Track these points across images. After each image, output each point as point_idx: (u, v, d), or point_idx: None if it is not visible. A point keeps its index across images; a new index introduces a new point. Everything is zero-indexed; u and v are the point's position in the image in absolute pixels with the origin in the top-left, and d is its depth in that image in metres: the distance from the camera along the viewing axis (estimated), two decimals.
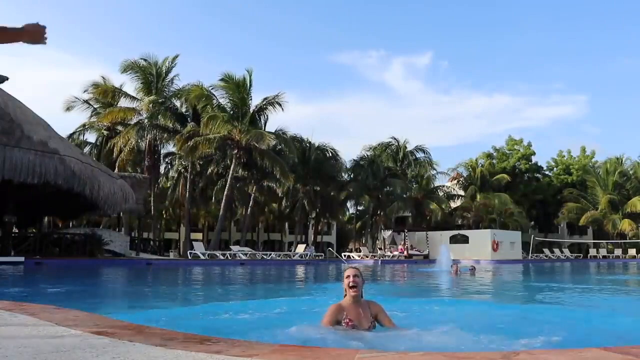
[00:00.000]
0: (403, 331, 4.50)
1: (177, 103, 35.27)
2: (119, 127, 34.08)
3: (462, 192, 52.38)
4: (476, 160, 55.93)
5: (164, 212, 46.87)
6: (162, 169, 41.71)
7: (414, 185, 47.91)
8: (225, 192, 33.05)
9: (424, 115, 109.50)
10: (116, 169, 30.51)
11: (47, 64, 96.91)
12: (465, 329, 5.36)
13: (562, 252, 48.33)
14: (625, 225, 47.26)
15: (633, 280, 17.72)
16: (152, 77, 32.65)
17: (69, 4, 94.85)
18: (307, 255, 32.84)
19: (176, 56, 33.34)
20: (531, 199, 54.74)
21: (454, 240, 41.55)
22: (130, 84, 33.98)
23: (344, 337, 4.09)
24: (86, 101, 35.65)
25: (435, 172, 48.71)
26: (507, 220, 46.73)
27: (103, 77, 34.52)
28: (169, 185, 44.28)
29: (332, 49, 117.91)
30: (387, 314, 4.57)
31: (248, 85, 33.13)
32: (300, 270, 21.79)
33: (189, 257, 27.96)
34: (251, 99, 33.63)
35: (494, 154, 57.19)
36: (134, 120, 32.69)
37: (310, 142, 41.65)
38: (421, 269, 23.58)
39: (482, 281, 15.26)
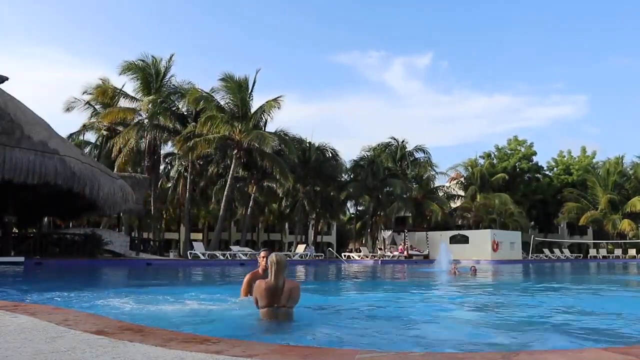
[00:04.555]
0: None
1: (178, 103, 35.22)
2: (119, 127, 34.05)
3: (462, 192, 52.36)
4: (474, 159, 55.88)
5: (164, 212, 46.85)
6: (162, 169, 41.69)
7: (414, 186, 47.91)
8: (225, 192, 33.03)
9: (424, 116, 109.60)
10: (116, 169, 30.51)
11: (47, 64, 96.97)
12: (465, 328, 5.36)
13: (562, 252, 48.33)
14: (625, 225, 47.23)
15: (633, 281, 17.71)
16: (151, 77, 32.62)
17: (69, 4, 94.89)
18: (307, 256, 32.83)
19: (172, 55, 33.31)
20: (531, 199, 54.71)
21: (454, 240, 41.52)
22: (130, 84, 33.98)
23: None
24: (87, 102, 35.59)
25: (434, 172, 48.79)
26: (507, 220, 46.70)
27: (102, 80, 34.35)
28: (169, 185, 44.26)
29: (333, 49, 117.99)
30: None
31: (250, 85, 33.11)
32: (300, 270, 21.79)
33: (189, 257, 27.95)
34: (252, 99, 33.62)
35: (495, 153, 57.19)
36: (134, 121, 32.67)
37: (310, 143, 41.66)
38: (421, 269, 23.58)
39: (482, 281, 15.26)
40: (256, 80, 33.32)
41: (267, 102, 33.39)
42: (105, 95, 33.01)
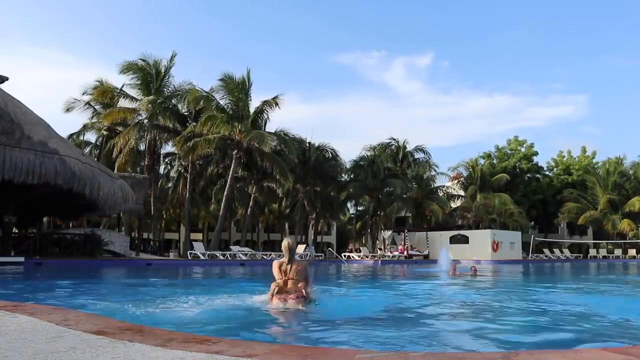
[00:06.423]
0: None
1: (178, 103, 35.21)
2: (119, 128, 34.05)
3: (462, 192, 52.38)
4: (476, 160, 55.89)
5: (164, 212, 46.86)
6: (162, 169, 41.70)
7: (414, 186, 47.93)
8: (225, 192, 33.03)
9: (425, 116, 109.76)
10: (116, 169, 30.50)
11: (47, 64, 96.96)
12: (465, 328, 5.36)
13: (562, 252, 48.33)
14: (625, 225, 47.26)
15: (633, 281, 17.71)
16: (151, 77, 32.61)
17: (69, 4, 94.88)
18: (307, 256, 32.79)
19: (174, 55, 33.28)
20: (531, 199, 54.72)
21: (454, 240, 41.51)
22: (130, 84, 33.94)
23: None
24: (87, 103, 35.57)
25: (434, 173, 48.84)
26: (507, 220, 46.71)
27: (99, 81, 34.19)
28: (169, 185, 44.27)
29: (333, 49, 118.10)
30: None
31: (247, 85, 33.07)
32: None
33: (189, 258, 27.95)
34: (251, 99, 33.61)
35: (495, 153, 57.20)
36: (134, 121, 32.66)
37: (310, 143, 41.69)
38: (421, 269, 23.57)
39: (483, 281, 15.25)
40: (250, 78, 33.02)
41: (266, 100, 33.42)
42: (105, 96, 33.01)
